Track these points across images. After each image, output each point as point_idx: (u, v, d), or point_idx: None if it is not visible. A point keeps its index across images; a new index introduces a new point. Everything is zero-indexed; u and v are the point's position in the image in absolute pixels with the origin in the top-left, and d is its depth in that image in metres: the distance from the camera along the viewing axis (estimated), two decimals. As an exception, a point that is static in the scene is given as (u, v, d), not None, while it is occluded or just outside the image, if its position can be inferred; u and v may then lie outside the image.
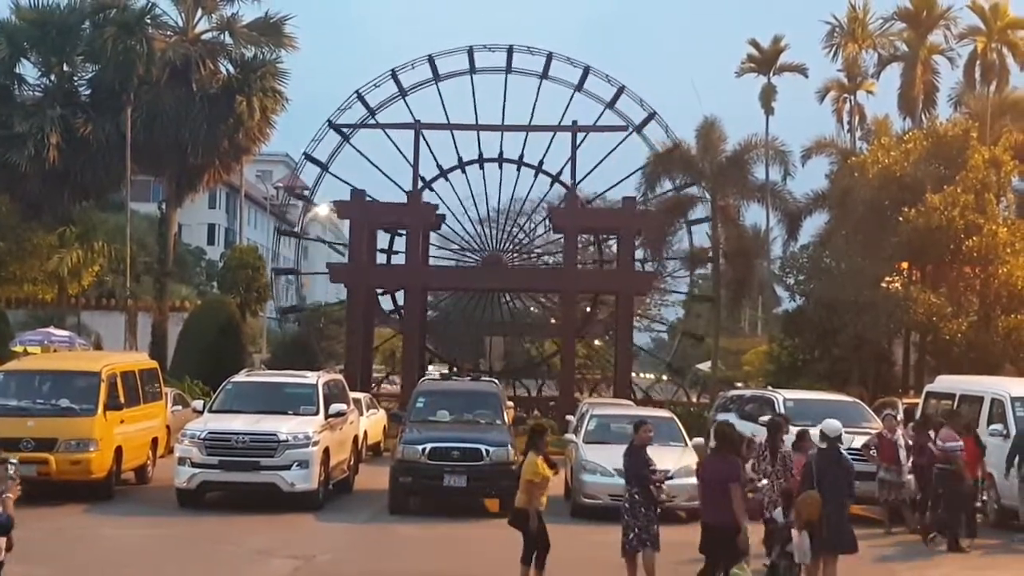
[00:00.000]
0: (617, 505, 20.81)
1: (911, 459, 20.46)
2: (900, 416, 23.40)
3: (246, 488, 21.55)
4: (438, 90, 49.46)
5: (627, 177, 46.44)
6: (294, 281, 55.88)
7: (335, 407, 23.19)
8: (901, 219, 33.88)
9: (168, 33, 48.65)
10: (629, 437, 23.04)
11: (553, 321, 52.68)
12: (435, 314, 54.45)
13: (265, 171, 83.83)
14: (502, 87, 49.03)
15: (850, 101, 54.60)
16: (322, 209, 55.94)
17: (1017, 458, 19.72)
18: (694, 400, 48.34)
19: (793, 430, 17.34)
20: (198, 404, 24.85)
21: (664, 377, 54.99)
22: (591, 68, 48.57)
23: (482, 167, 50.15)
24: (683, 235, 48.64)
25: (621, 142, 48.89)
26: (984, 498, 21.00)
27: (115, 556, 17.31)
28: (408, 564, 17.22)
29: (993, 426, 21.27)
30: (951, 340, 33.63)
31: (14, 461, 20.70)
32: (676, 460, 21.50)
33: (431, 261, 49.51)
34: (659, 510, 14.73)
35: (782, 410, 23.57)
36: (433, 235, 50.25)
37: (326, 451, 22.04)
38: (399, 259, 47.88)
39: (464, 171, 50.04)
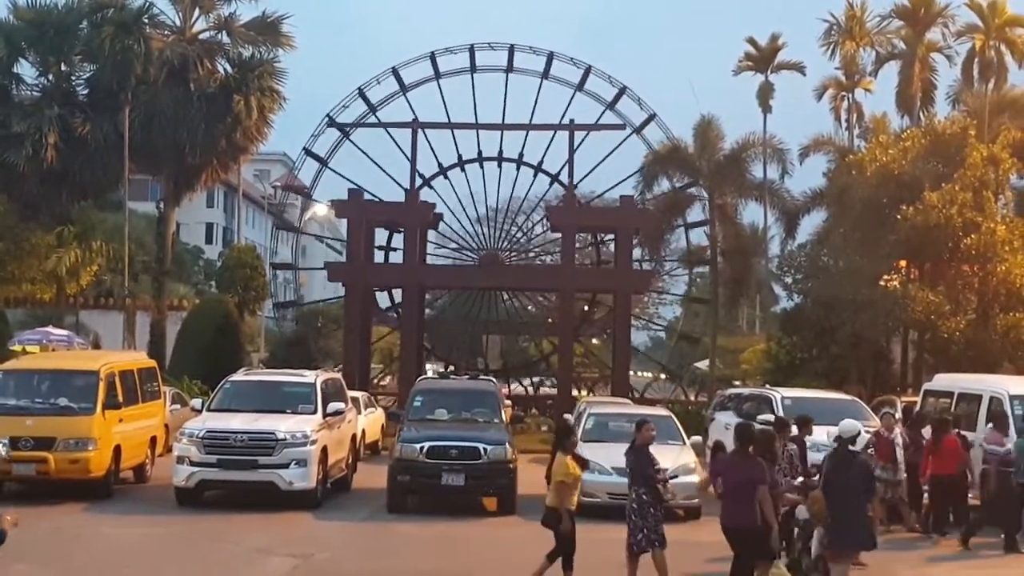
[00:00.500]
0: (615, 503, 20.90)
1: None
2: (898, 414, 23.39)
3: (244, 487, 21.58)
4: (439, 88, 49.59)
5: (627, 178, 46.54)
6: (292, 280, 55.88)
7: (333, 406, 23.20)
8: (899, 217, 33.85)
9: (166, 33, 48.65)
10: (627, 436, 23.22)
11: (551, 320, 52.70)
12: (433, 313, 54.47)
13: (263, 170, 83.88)
14: (503, 86, 49.17)
15: (848, 99, 54.80)
16: (320, 208, 55.95)
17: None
18: (692, 399, 48.35)
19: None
20: (196, 403, 24.88)
21: (662, 376, 55.01)
22: (592, 68, 48.64)
23: (482, 166, 50.19)
24: (681, 234, 48.74)
25: (621, 143, 49.01)
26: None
27: (114, 555, 17.32)
28: (406, 562, 17.23)
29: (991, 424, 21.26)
30: (949, 338, 33.61)
31: (4, 441, 20.88)
32: (674, 459, 21.52)
33: (429, 260, 49.53)
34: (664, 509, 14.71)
35: (780, 408, 23.62)
36: (431, 233, 50.30)
37: (324, 450, 22.05)
38: (397, 255, 47.89)
39: (464, 170, 50.08)
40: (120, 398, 22.81)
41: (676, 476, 20.04)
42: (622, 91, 48.74)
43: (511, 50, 49.15)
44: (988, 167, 35.36)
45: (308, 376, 24.44)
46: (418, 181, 48.00)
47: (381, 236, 49.26)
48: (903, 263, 37.11)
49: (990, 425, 20.89)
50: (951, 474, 19.69)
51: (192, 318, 43.30)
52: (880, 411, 23.77)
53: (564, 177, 48.07)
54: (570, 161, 47.16)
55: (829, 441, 14.88)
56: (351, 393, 27.92)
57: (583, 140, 47.94)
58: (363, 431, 29.90)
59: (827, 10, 53.47)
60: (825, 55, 54.13)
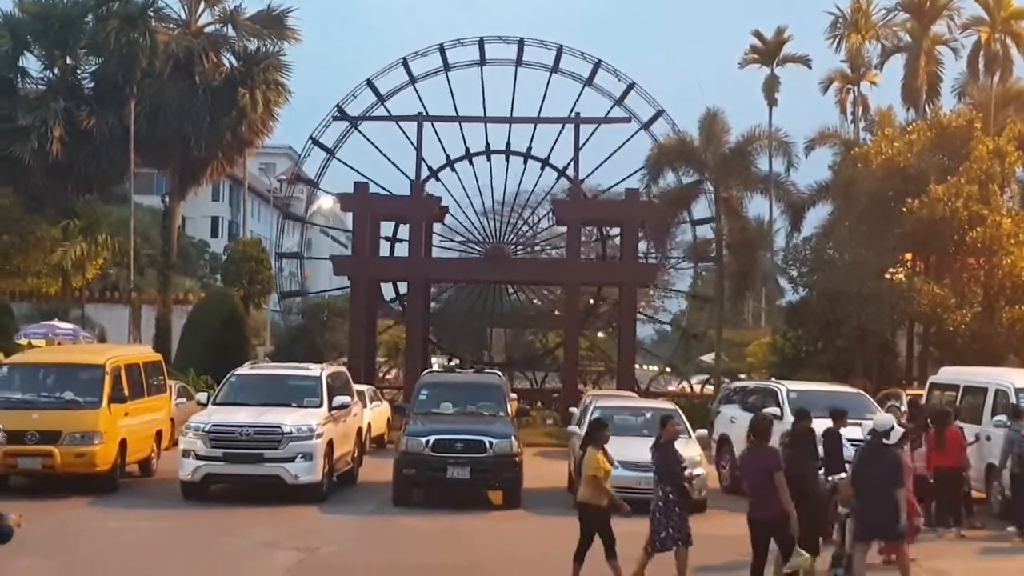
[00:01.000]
0: (621, 497, 20.93)
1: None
2: (903, 407, 23.36)
3: (250, 480, 21.58)
4: (448, 80, 49.61)
5: (634, 173, 46.53)
6: (297, 273, 55.89)
7: (339, 399, 23.20)
8: (905, 210, 33.79)
9: (171, 26, 48.69)
10: (633, 429, 23.30)
11: (556, 313, 52.71)
12: (438, 306, 54.51)
13: (268, 164, 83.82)
14: (512, 79, 49.22)
15: (853, 92, 54.63)
16: (326, 201, 56.00)
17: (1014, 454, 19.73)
18: (697, 392, 48.35)
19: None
20: (202, 397, 24.86)
21: (668, 369, 55.04)
22: (602, 63, 48.61)
23: (489, 159, 50.24)
24: (686, 227, 48.66)
25: (629, 138, 49.05)
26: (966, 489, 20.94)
27: (120, 549, 17.34)
28: (412, 556, 17.23)
29: (997, 417, 21.26)
30: (955, 331, 33.55)
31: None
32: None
33: (435, 252, 49.58)
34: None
35: (786, 401, 23.58)
36: (437, 226, 50.32)
37: (330, 443, 22.05)
38: (404, 246, 47.87)
39: (471, 162, 50.17)
40: (126, 392, 22.84)
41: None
42: (631, 86, 48.77)
43: (521, 43, 49.16)
44: (994, 160, 35.28)
45: (314, 370, 24.44)
46: (425, 173, 48.08)
47: (387, 227, 49.29)
48: (908, 256, 37.06)
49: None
50: (953, 466, 19.69)
51: (198, 312, 43.37)
52: (886, 404, 23.76)
53: (571, 171, 48.11)
54: (576, 154, 47.23)
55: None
56: (357, 387, 27.91)
57: (592, 135, 48.11)
58: (369, 424, 29.89)
59: (833, 3, 53.29)
60: (831, 48, 54.03)
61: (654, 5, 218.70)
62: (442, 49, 49.30)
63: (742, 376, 46.16)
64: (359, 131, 50.12)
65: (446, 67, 49.59)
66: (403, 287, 48.76)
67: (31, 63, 48.58)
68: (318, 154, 50.69)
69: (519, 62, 49.37)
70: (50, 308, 44.64)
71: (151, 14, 47.11)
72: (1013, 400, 21.29)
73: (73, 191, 47.71)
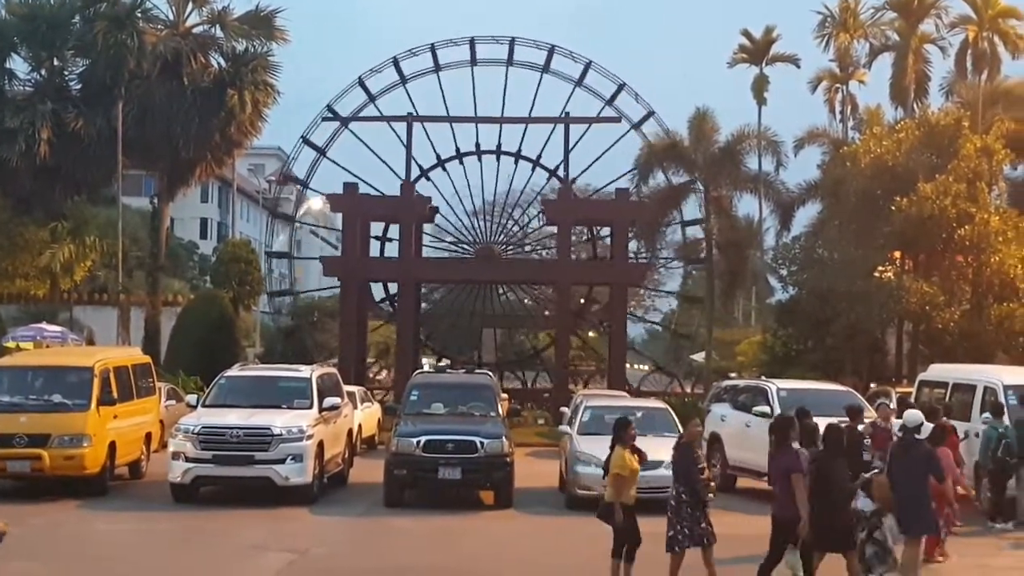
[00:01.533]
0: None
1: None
2: (893, 405, 23.39)
3: (240, 482, 21.54)
4: (439, 80, 49.56)
5: (626, 173, 46.60)
6: (288, 274, 55.82)
7: (329, 400, 23.17)
8: (893, 208, 33.85)
9: (159, 27, 48.61)
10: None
11: (547, 313, 52.70)
12: (428, 306, 54.46)
13: (257, 165, 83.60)
14: (503, 78, 49.22)
15: (842, 91, 54.81)
16: (315, 202, 55.92)
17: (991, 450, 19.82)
18: (688, 391, 48.37)
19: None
20: (192, 399, 24.81)
21: (661, 366, 55.08)
22: (593, 63, 48.66)
23: (480, 159, 50.23)
24: (676, 227, 48.72)
25: (620, 139, 49.07)
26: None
27: (109, 551, 17.29)
28: (403, 557, 17.21)
29: (985, 415, 21.29)
30: (944, 329, 33.62)
31: None
32: (670, 451, 21.51)
33: (426, 252, 49.56)
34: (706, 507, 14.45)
35: (775, 400, 23.58)
36: (428, 226, 50.31)
37: (320, 444, 22.00)
38: (394, 246, 47.79)
39: (462, 162, 50.11)
40: (115, 394, 22.74)
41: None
42: (621, 87, 48.79)
43: (512, 43, 49.15)
44: (982, 158, 35.35)
45: (304, 371, 24.39)
46: (416, 173, 48.05)
47: (378, 226, 49.21)
48: (897, 254, 37.10)
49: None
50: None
51: (187, 313, 43.26)
52: (875, 402, 23.77)
53: (562, 171, 48.12)
54: (566, 154, 47.25)
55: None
56: (347, 388, 27.86)
57: (583, 135, 48.17)
58: (359, 425, 29.86)
59: (821, 2, 53.45)
60: (819, 47, 54.21)
61: (645, 4, 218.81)
62: (433, 49, 49.30)
63: (732, 375, 46.17)
64: (350, 130, 50.08)
65: (437, 67, 49.58)
66: (393, 287, 48.72)
67: (18, 65, 48.56)
68: (308, 154, 50.63)
69: (510, 62, 49.37)
70: (38, 311, 44.49)
71: (139, 15, 47.06)
72: (1002, 397, 21.35)
73: (61, 193, 47.60)
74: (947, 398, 23.30)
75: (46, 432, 21.28)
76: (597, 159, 49.14)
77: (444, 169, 50.10)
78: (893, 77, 50.56)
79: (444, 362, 50.50)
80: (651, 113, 48.27)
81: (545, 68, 49.13)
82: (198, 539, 18.29)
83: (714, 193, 43.95)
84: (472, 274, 48.61)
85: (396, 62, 49.32)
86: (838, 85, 54.81)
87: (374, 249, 48.84)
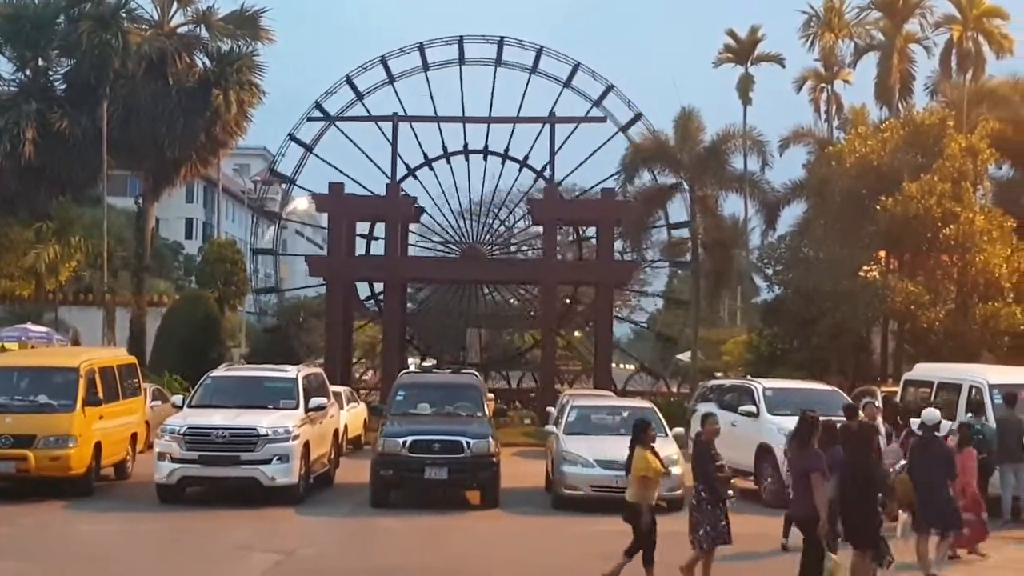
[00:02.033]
0: (598, 496, 20.97)
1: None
2: (878, 403, 23.46)
3: (226, 483, 21.52)
4: (427, 79, 49.51)
5: (613, 175, 46.57)
6: (272, 273, 55.75)
7: (315, 401, 23.16)
8: (878, 208, 33.94)
9: (143, 26, 48.48)
10: (610, 428, 23.32)
11: (533, 313, 52.72)
12: (414, 306, 54.42)
13: (243, 165, 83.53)
14: (491, 78, 49.23)
15: (827, 90, 54.87)
16: (301, 202, 55.86)
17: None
18: (674, 390, 48.43)
19: None
20: (177, 399, 24.76)
21: (645, 364, 55.13)
22: (581, 65, 48.67)
23: (467, 158, 50.23)
24: (662, 227, 48.69)
25: (607, 140, 49.08)
26: None
27: (95, 552, 17.25)
28: (390, 557, 17.21)
29: (970, 414, 21.34)
30: (929, 328, 33.73)
31: None
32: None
33: (411, 252, 49.52)
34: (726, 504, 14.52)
35: (761, 399, 23.64)
36: (414, 226, 50.26)
37: (306, 445, 21.98)
38: (380, 244, 47.72)
39: (449, 161, 50.11)
40: (100, 395, 22.68)
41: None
42: (609, 88, 48.81)
43: (501, 43, 49.14)
44: (967, 158, 35.48)
45: (290, 371, 24.35)
46: (402, 172, 48.02)
47: (364, 224, 49.15)
48: (883, 254, 37.22)
49: None
50: None
51: (172, 314, 43.19)
52: (861, 401, 23.83)
53: (548, 172, 48.13)
54: (551, 154, 47.27)
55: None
56: (333, 388, 27.85)
57: (570, 136, 48.27)
58: (345, 426, 29.84)
59: (806, 2, 53.51)
60: (804, 47, 54.27)
61: (634, 4, 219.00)
62: (422, 48, 49.26)
63: (718, 374, 46.25)
64: (337, 127, 50.02)
65: (425, 66, 49.54)
66: (378, 285, 48.69)
67: (2, 65, 48.49)
68: (294, 154, 50.52)
69: (499, 62, 49.35)
70: (23, 311, 44.38)
71: (123, 15, 46.94)
72: (987, 396, 21.41)
73: (46, 193, 47.44)
74: (932, 397, 23.36)
75: (31, 433, 21.23)
76: (584, 161, 49.33)
77: (431, 168, 50.13)
78: (878, 77, 50.67)
79: (430, 362, 50.48)
80: (639, 116, 48.31)
81: (533, 69, 49.15)
82: (184, 540, 18.26)
83: (700, 193, 43.98)
84: (458, 274, 48.61)
85: (384, 61, 49.27)
86: (823, 85, 54.89)
87: (360, 248, 48.79)
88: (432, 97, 48.80)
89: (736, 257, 47.67)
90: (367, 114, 49.54)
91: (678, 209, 46.55)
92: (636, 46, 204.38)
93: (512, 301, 54.79)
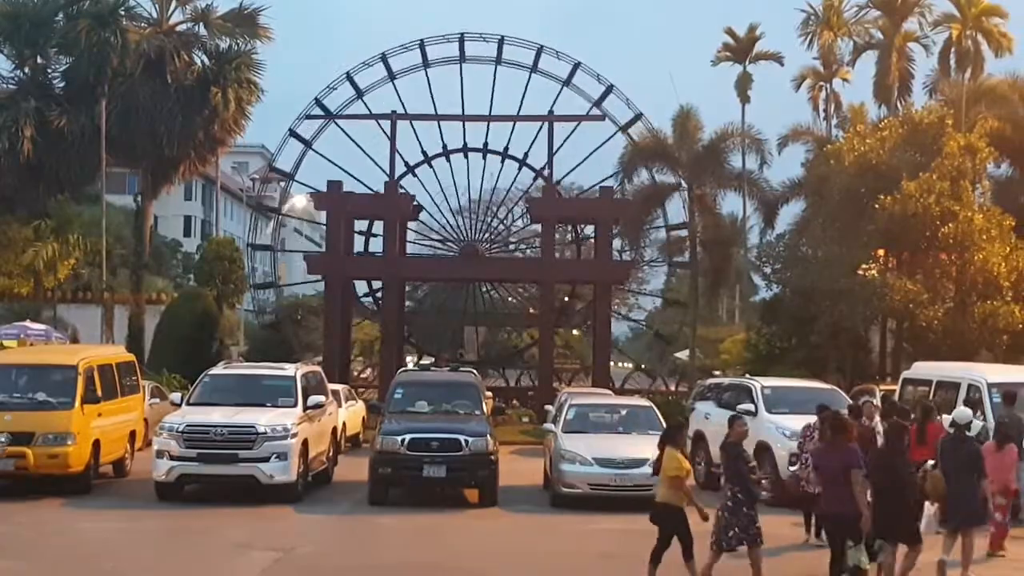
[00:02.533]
0: (596, 495, 21.00)
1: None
2: (876, 402, 23.46)
3: (225, 480, 21.49)
4: (427, 76, 49.50)
5: (613, 175, 46.62)
6: (271, 270, 55.70)
7: (313, 399, 23.14)
8: (877, 207, 33.95)
9: (142, 25, 48.51)
10: (608, 427, 23.36)
11: (531, 311, 52.73)
12: (412, 304, 54.43)
13: (241, 163, 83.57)
14: (491, 77, 49.23)
15: (826, 89, 54.80)
16: (299, 200, 55.84)
17: None
18: (672, 389, 48.45)
19: None
20: (176, 397, 24.72)
21: (643, 366, 55.16)
22: (581, 64, 48.67)
23: (466, 156, 50.24)
24: (660, 224, 48.71)
25: (607, 140, 49.14)
26: None
27: (93, 549, 17.23)
28: (388, 555, 17.20)
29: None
30: (927, 327, 33.74)
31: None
32: (654, 449, 21.55)
33: (410, 249, 49.54)
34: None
35: (760, 398, 23.65)
36: (413, 224, 50.28)
37: (305, 443, 21.98)
38: (378, 241, 47.73)
39: (448, 159, 50.11)
40: (99, 392, 22.68)
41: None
42: (609, 89, 48.82)
43: (501, 42, 49.14)
44: (965, 156, 35.49)
45: (288, 369, 24.36)
46: (401, 170, 48.01)
47: (361, 223, 49.16)
48: (881, 252, 37.23)
49: None
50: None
51: (171, 312, 43.16)
52: (860, 400, 23.83)
53: (547, 171, 48.13)
54: (550, 152, 47.25)
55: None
56: (331, 386, 27.85)
57: (570, 135, 48.29)
58: (344, 424, 29.84)
59: (805, 0, 53.48)
60: (803, 45, 54.22)
61: (634, 3, 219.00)
62: (422, 45, 49.23)
63: (716, 373, 46.26)
64: (337, 124, 50.01)
65: (425, 63, 49.55)
66: (376, 283, 48.67)
67: (1, 63, 48.40)
68: (292, 150, 50.51)
69: (499, 60, 49.35)
70: (22, 309, 44.30)
71: (122, 13, 46.92)
72: (985, 395, 21.41)
73: (44, 191, 47.42)
74: (931, 396, 23.36)
75: (30, 430, 21.21)
76: (584, 160, 49.38)
77: (430, 166, 50.13)
78: (877, 75, 50.65)
79: (428, 360, 50.52)
80: (639, 116, 48.31)
81: (533, 68, 49.14)
82: (183, 537, 18.26)
83: (698, 191, 43.99)
84: (456, 272, 48.62)
85: (385, 58, 49.26)
86: (822, 83, 54.83)
87: (358, 244, 48.80)
88: (432, 95, 48.91)
89: (734, 256, 47.70)
90: (367, 111, 49.51)
91: (676, 208, 46.62)
92: (635, 46, 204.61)
93: (510, 299, 54.80)
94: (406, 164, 49.21)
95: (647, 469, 21.07)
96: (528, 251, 52.55)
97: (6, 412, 21.52)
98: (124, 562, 16.40)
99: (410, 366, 42.90)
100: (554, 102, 48.69)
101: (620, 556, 16.36)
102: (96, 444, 22.46)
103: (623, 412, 24.34)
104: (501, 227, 51.62)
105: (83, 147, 45.48)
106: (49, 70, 49.00)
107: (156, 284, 54.15)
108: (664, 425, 22.96)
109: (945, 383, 23.34)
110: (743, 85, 53.66)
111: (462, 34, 49.29)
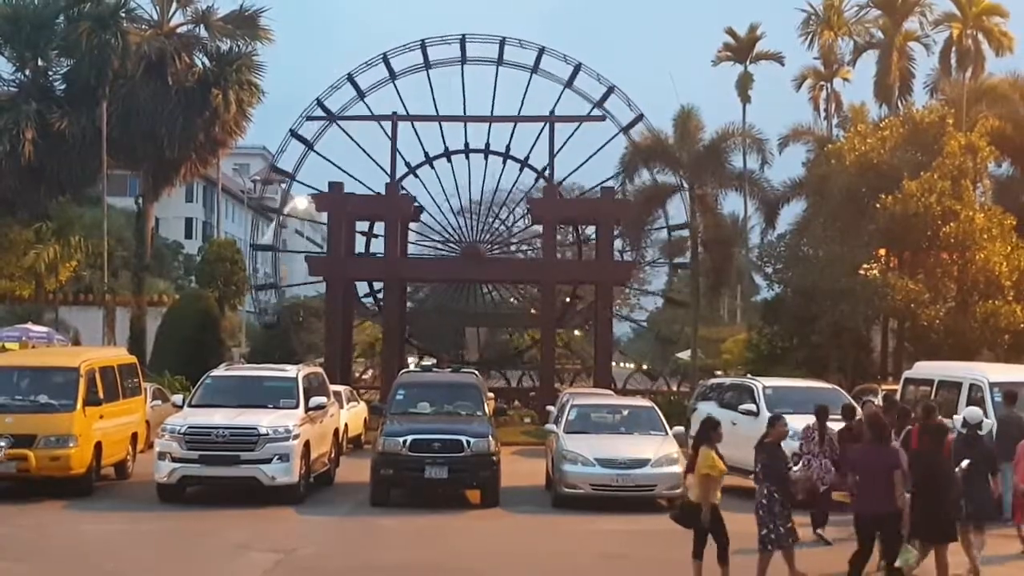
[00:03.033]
0: (599, 495, 20.99)
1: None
2: (878, 402, 23.46)
3: (227, 482, 21.51)
4: (428, 77, 49.48)
5: (614, 175, 46.57)
6: (273, 275, 55.77)
7: (315, 400, 23.15)
8: (878, 206, 33.94)
9: (143, 27, 48.58)
10: (610, 427, 23.36)
11: (532, 312, 52.72)
12: (413, 305, 54.42)
13: (242, 164, 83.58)
14: (492, 78, 49.23)
15: (826, 89, 54.93)
16: (300, 202, 55.85)
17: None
18: (674, 389, 48.43)
19: None
20: (178, 399, 24.76)
21: (644, 366, 55.16)
22: (582, 65, 48.66)
23: (467, 157, 50.23)
24: (661, 224, 48.72)
25: (609, 141, 49.10)
26: None
27: (95, 551, 17.24)
28: (390, 556, 17.20)
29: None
30: (929, 326, 33.73)
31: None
32: (656, 449, 21.61)
33: (411, 250, 49.51)
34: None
35: (761, 398, 23.64)
36: (414, 225, 50.26)
37: (307, 444, 21.98)
38: (379, 242, 47.72)
39: (450, 160, 50.12)
40: (101, 394, 22.67)
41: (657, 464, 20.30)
42: (610, 89, 48.81)
43: (502, 43, 49.14)
44: (966, 155, 35.48)
45: (290, 371, 24.35)
46: (402, 170, 48.00)
47: (362, 223, 49.17)
48: (882, 252, 37.19)
49: None
50: None
51: (172, 313, 43.18)
52: (861, 399, 23.83)
53: (549, 171, 48.14)
54: (551, 153, 47.23)
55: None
56: (333, 387, 27.85)
57: (570, 136, 48.26)
58: (346, 425, 29.84)
59: (806, 0, 53.56)
60: (804, 45, 54.33)
61: (635, 3, 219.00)
62: (423, 46, 49.22)
63: (718, 373, 46.24)
64: (339, 125, 50.01)
65: (427, 64, 49.53)
66: (377, 283, 48.67)
67: (2, 65, 48.54)
68: (294, 151, 50.50)
69: (500, 61, 49.33)
70: (23, 311, 44.33)
71: (123, 15, 46.99)
72: (987, 394, 21.39)
73: (46, 193, 47.48)
74: (933, 395, 23.35)
75: (32, 433, 21.20)
76: (585, 161, 49.35)
77: (432, 166, 50.14)
78: (877, 75, 50.71)
79: (430, 361, 50.49)
80: (640, 117, 48.29)
81: (535, 69, 49.14)
82: (184, 539, 18.26)
83: (699, 191, 43.96)
84: (457, 273, 48.61)
85: (386, 58, 49.24)
86: (822, 83, 54.95)
87: (359, 244, 48.81)
88: (433, 95, 48.91)
89: (736, 256, 47.68)
90: (368, 112, 49.53)
91: (677, 208, 46.59)
92: (636, 47, 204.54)
93: (512, 300, 54.78)
94: (407, 165, 49.24)
95: (649, 469, 21.14)
96: (529, 252, 52.52)
97: (8, 414, 21.52)
98: (125, 563, 16.41)
99: (411, 367, 42.92)
100: (555, 103, 48.75)
101: (622, 557, 16.37)
102: (98, 446, 22.46)
103: (625, 412, 24.34)
104: (502, 228, 51.60)
105: (84, 149, 45.54)
106: (50, 72, 49.08)
107: (157, 286, 54.20)
108: (665, 425, 23.07)
109: (947, 383, 23.32)
110: (744, 85, 53.79)
111: (463, 35, 49.33)
